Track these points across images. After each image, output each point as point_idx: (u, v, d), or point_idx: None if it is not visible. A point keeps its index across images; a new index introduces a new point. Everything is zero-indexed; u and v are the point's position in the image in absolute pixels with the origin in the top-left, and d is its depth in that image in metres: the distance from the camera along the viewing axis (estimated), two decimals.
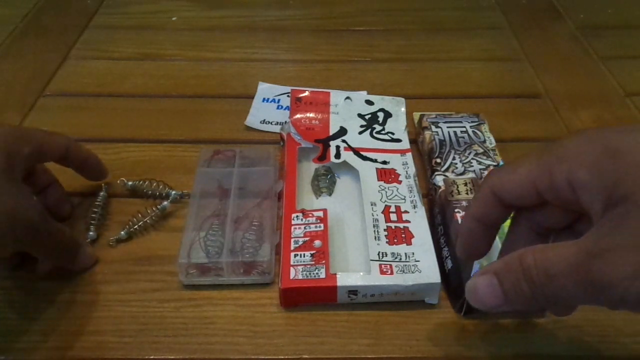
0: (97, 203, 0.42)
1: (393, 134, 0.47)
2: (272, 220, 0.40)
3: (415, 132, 0.49)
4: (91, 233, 0.40)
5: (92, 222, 0.40)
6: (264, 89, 0.55)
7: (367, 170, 0.43)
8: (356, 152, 0.45)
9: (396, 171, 0.43)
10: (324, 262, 0.36)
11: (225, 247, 0.37)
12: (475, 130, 0.46)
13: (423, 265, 0.36)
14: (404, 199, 0.41)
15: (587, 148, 0.23)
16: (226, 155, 0.44)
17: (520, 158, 0.26)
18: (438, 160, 0.43)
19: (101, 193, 0.42)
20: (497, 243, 0.29)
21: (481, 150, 0.44)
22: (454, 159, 0.43)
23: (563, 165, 0.24)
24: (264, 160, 0.44)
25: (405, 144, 0.46)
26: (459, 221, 0.38)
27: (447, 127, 0.46)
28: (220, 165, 0.44)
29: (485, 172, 0.41)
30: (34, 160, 0.36)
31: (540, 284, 0.23)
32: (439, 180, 0.41)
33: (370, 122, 0.48)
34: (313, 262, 0.36)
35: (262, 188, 0.42)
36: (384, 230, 0.38)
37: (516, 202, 0.27)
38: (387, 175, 0.43)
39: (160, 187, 0.43)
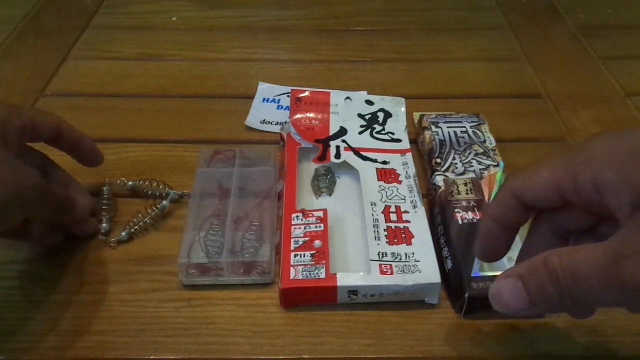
0: (105, 196, 0.42)
1: (393, 134, 0.47)
2: (272, 220, 0.40)
3: (415, 132, 0.49)
4: (104, 225, 0.40)
5: (104, 214, 0.41)
6: (264, 89, 0.55)
7: (367, 170, 0.43)
8: (356, 152, 0.45)
9: (396, 171, 0.43)
10: (324, 262, 0.36)
11: (225, 247, 0.37)
12: (475, 130, 0.46)
13: (423, 265, 0.36)
14: (404, 199, 0.41)
15: (613, 149, 0.23)
16: (226, 155, 0.44)
17: (541, 159, 0.26)
18: (438, 160, 0.43)
19: (105, 188, 0.43)
20: (518, 241, 0.29)
21: (481, 150, 0.44)
22: (454, 159, 0.43)
23: (588, 166, 0.23)
24: (264, 160, 0.44)
25: (405, 144, 0.46)
26: (459, 221, 0.38)
27: (447, 127, 0.46)
28: (220, 165, 0.44)
29: (486, 172, 0.42)
30: (26, 136, 0.36)
31: (567, 286, 0.23)
32: (439, 180, 0.41)
33: (370, 122, 0.48)
34: (313, 262, 0.36)
35: (262, 188, 0.42)
36: (384, 230, 0.38)
37: (538, 204, 0.26)
38: (387, 175, 0.43)
39: (160, 187, 0.43)
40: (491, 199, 0.39)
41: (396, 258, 0.36)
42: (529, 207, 0.27)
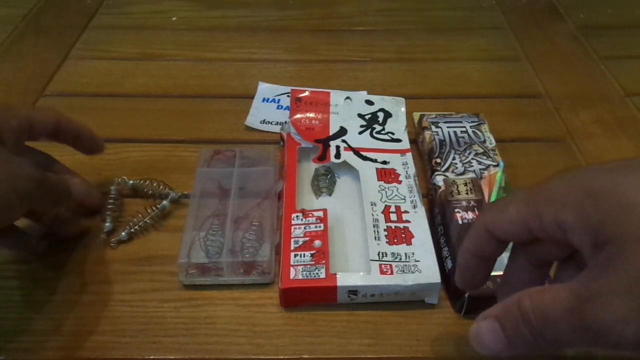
0: (111, 195, 0.42)
1: (393, 134, 0.47)
2: (272, 220, 0.40)
3: (415, 132, 0.49)
4: (107, 224, 0.40)
5: (108, 213, 0.41)
6: (264, 89, 0.55)
7: (367, 170, 0.43)
8: (356, 152, 0.45)
9: (396, 171, 0.43)
10: (324, 262, 0.36)
11: (225, 247, 0.37)
12: (475, 130, 0.46)
13: (423, 265, 0.36)
14: (404, 199, 0.41)
15: (570, 190, 0.24)
16: (226, 155, 0.44)
17: (507, 197, 0.27)
18: (438, 160, 0.43)
19: (112, 187, 0.43)
20: (503, 258, 0.29)
21: (481, 150, 0.44)
22: (454, 159, 0.43)
23: (549, 207, 0.24)
24: (264, 160, 0.44)
25: (405, 144, 0.46)
26: (459, 221, 0.38)
27: (447, 127, 0.46)
28: (220, 165, 0.44)
29: (486, 172, 0.42)
30: (24, 136, 0.36)
31: (539, 328, 0.23)
32: (439, 180, 0.41)
33: (370, 122, 0.48)
34: (313, 262, 0.36)
35: (262, 188, 0.42)
36: (384, 230, 0.38)
37: (510, 239, 0.27)
38: (387, 175, 0.43)
39: (160, 187, 0.43)
40: (490, 200, 0.39)
41: (396, 258, 0.36)
42: (502, 241, 0.27)
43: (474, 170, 0.42)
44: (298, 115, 0.48)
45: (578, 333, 0.22)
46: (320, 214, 0.39)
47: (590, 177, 0.23)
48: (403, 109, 0.50)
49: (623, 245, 0.21)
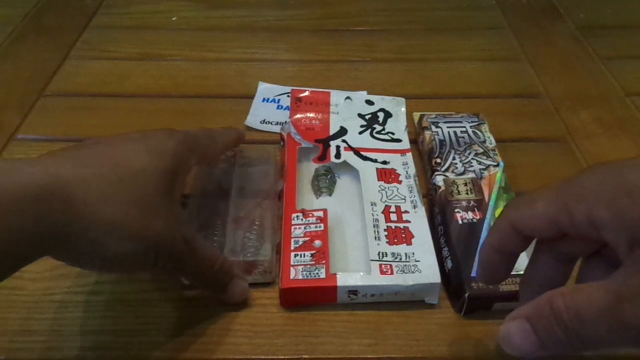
0: None
1: (393, 134, 0.47)
2: (272, 219, 0.40)
3: (415, 132, 0.49)
4: None
5: None
6: (264, 89, 0.55)
7: (367, 170, 0.43)
8: (356, 152, 0.45)
9: (396, 171, 0.43)
10: (324, 262, 0.36)
11: (226, 246, 0.37)
12: (475, 130, 0.46)
13: (423, 265, 0.36)
14: (404, 199, 0.41)
15: (604, 185, 0.23)
16: (226, 155, 0.44)
17: (536, 191, 0.26)
18: (438, 160, 0.43)
19: None
20: (523, 255, 0.29)
21: (481, 150, 0.44)
22: (454, 159, 0.43)
23: (581, 204, 0.23)
24: (264, 160, 0.44)
25: (406, 144, 0.46)
26: (459, 221, 0.38)
27: (447, 127, 0.46)
28: (220, 165, 0.44)
29: (486, 172, 0.42)
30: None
31: (574, 329, 0.22)
32: (439, 180, 0.41)
33: (371, 122, 0.48)
34: (313, 262, 0.36)
35: (263, 188, 0.42)
36: (384, 230, 0.38)
37: (537, 235, 0.27)
38: (387, 175, 0.43)
39: None
40: (490, 200, 0.39)
41: (396, 258, 0.36)
42: (528, 237, 0.27)
43: (474, 170, 0.42)
44: (298, 115, 0.48)
45: (617, 333, 0.21)
46: (320, 214, 0.39)
47: (625, 173, 0.23)
48: (403, 109, 0.50)
49: None
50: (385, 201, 0.40)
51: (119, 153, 0.29)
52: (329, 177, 0.44)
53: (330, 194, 0.42)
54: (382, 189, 0.41)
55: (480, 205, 0.39)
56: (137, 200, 0.28)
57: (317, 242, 0.37)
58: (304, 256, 0.36)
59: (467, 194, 0.40)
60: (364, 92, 0.53)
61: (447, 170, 0.42)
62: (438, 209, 0.40)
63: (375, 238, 0.37)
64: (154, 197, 0.28)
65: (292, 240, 0.37)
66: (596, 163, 0.25)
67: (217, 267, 0.33)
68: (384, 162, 0.44)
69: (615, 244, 0.23)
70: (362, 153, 0.45)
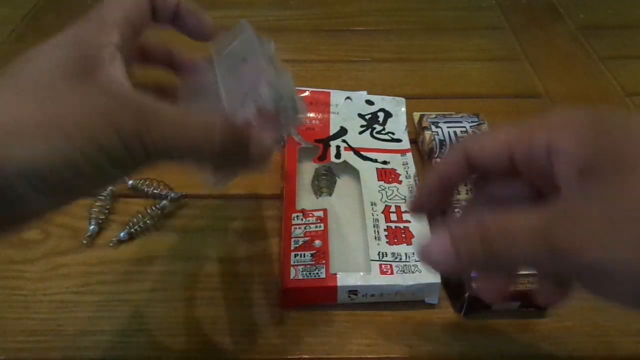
0: (99, 197, 0.42)
1: (393, 134, 0.47)
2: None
3: (416, 132, 0.49)
4: (92, 227, 0.40)
5: (93, 216, 0.40)
6: None
7: (367, 170, 0.43)
8: (356, 152, 0.45)
9: (396, 171, 0.43)
10: (324, 262, 0.36)
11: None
12: (475, 130, 0.46)
13: (423, 265, 0.36)
14: (404, 199, 0.41)
15: (574, 118, 0.23)
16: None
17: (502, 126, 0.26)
18: (438, 160, 0.43)
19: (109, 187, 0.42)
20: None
21: None
22: None
23: (545, 131, 0.23)
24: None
25: (406, 144, 0.46)
26: None
27: (447, 127, 0.46)
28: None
29: None
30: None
31: (498, 248, 0.22)
32: None
33: (371, 122, 0.48)
34: (313, 262, 0.36)
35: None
36: (384, 230, 0.38)
37: (486, 164, 0.26)
38: (387, 175, 0.43)
39: (161, 186, 0.43)
40: None
41: (396, 258, 0.36)
42: (475, 167, 0.26)
43: None
44: None
45: (543, 255, 0.21)
46: (321, 214, 0.39)
47: (595, 112, 0.23)
48: (403, 109, 0.50)
49: (621, 172, 0.20)
50: (386, 201, 0.40)
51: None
52: (329, 177, 0.44)
53: (330, 194, 0.42)
54: (382, 189, 0.41)
55: None
56: (34, 94, 0.21)
57: (317, 242, 0.37)
58: (304, 256, 0.36)
59: (467, 194, 0.40)
60: (364, 92, 0.53)
61: None
62: None
63: (376, 238, 0.37)
64: (54, 86, 0.22)
65: (292, 240, 0.37)
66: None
67: (220, 136, 0.24)
68: (384, 162, 0.44)
69: (563, 174, 0.22)
70: (362, 153, 0.45)
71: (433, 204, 0.28)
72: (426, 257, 0.24)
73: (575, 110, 0.23)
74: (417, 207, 0.29)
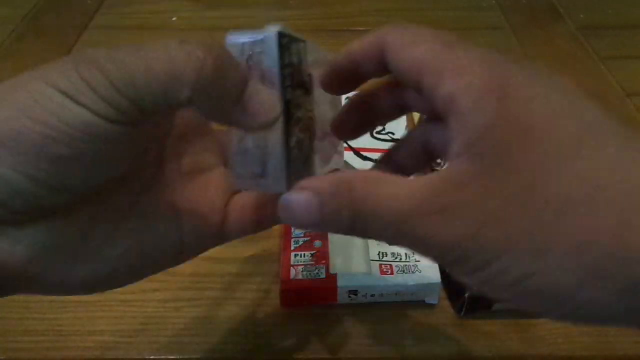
0: None
1: (393, 134, 0.47)
2: None
3: None
4: None
5: None
6: None
7: None
8: (356, 152, 0.45)
9: None
10: (324, 262, 0.36)
11: None
12: None
13: (423, 265, 0.36)
14: None
15: (479, 63, 0.21)
16: None
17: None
18: (438, 160, 0.43)
19: None
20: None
21: None
22: None
23: (456, 75, 0.20)
24: None
25: None
26: None
27: None
28: None
29: None
30: None
31: (364, 221, 0.20)
32: None
33: None
34: (313, 262, 0.36)
35: None
36: None
37: (394, 68, 0.23)
38: None
39: None
40: None
41: (396, 258, 0.36)
42: (384, 65, 0.23)
43: None
44: None
45: (405, 241, 0.20)
46: None
47: (504, 61, 0.21)
48: None
49: (512, 155, 0.18)
50: None
51: None
52: None
53: None
54: None
55: None
56: None
57: (317, 242, 0.37)
58: (304, 256, 0.36)
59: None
60: None
61: None
62: None
63: None
64: None
65: (292, 240, 0.37)
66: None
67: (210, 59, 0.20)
68: None
69: (454, 140, 0.19)
70: (362, 153, 0.45)
71: (344, 88, 0.27)
72: (287, 214, 0.22)
73: (478, 52, 0.21)
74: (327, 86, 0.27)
